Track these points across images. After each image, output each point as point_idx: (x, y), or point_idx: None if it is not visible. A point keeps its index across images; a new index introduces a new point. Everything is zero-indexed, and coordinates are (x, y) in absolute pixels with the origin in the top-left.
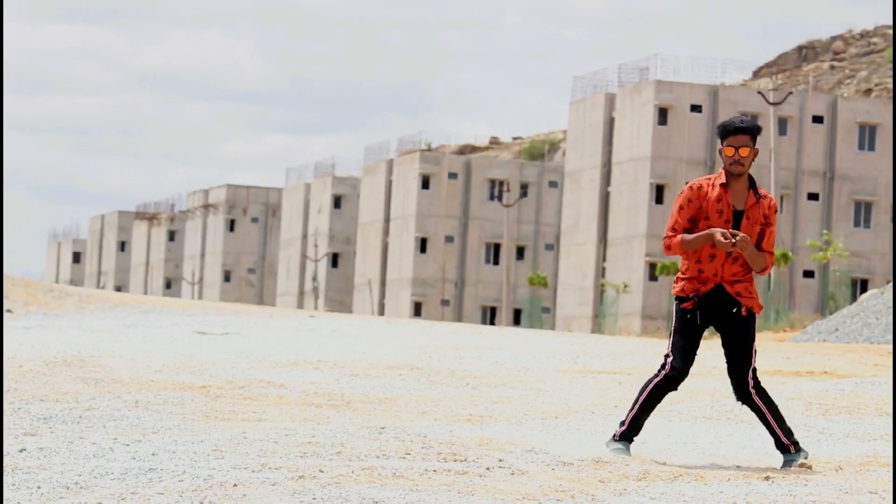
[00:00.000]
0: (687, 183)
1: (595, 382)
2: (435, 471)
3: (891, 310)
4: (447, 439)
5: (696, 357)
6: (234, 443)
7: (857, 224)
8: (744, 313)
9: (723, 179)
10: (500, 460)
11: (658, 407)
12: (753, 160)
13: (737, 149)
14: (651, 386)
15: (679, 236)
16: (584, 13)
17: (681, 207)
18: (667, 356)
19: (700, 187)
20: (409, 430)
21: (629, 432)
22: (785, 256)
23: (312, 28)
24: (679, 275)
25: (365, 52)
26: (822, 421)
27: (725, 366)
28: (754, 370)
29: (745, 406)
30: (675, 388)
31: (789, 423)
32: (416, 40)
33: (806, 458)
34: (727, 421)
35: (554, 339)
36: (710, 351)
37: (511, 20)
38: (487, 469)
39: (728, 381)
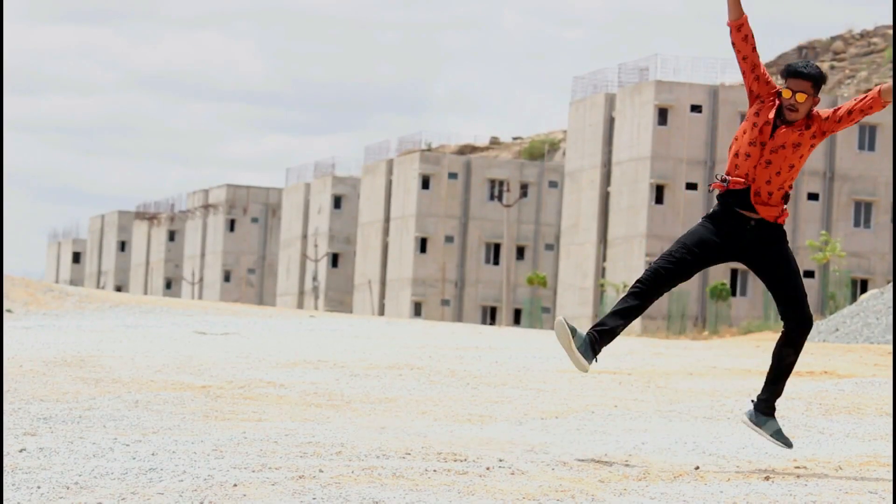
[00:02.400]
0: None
1: (595, 382)
2: (435, 471)
3: (891, 310)
4: (447, 439)
5: (682, 274)
6: (234, 443)
7: (857, 224)
8: (765, 220)
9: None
10: (500, 460)
11: (656, 405)
12: (812, 108)
13: (794, 93)
14: (639, 282)
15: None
16: (583, 14)
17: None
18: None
19: (772, 89)
20: (409, 430)
21: (597, 326)
22: None
23: (311, 28)
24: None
25: (364, 53)
26: (822, 421)
27: (777, 309)
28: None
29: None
30: (650, 296)
31: (788, 421)
32: (415, 41)
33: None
34: (727, 421)
35: (554, 339)
36: (709, 351)
37: (510, 21)
38: (487, 469)
39: (726, 379)
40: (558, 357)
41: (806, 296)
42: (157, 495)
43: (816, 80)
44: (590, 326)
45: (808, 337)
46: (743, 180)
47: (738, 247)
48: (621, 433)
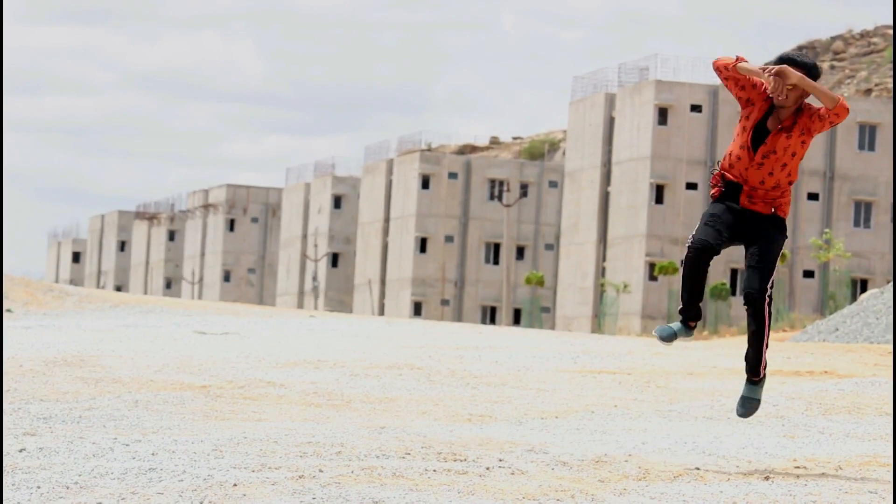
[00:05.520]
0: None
1: (595, 382)
2: (435, 471)
3: (891, 310)
4: (447, 439)
5: (723, 237)
6: (234, 443)
7: (857, 224)
8: (760, 214)
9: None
10: (500, 460)
11: (656, 405)
12: (802, 98)
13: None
14: (682, 264)
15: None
16: (582, 14)
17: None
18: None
19: (761, 89)
20: (409, 430)
21: (682, 310)
22: (784, 256)
23: (310, 29)
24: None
25: (364, 53)
26: (822, 421)
27: (744, 277)
28: (772, 285)
29: (748, 311)
30: (703, 260)
31: (788, 420)
32: (414, 41)
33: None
34: (727, 421)
35: (554, 339)
36: (709, 350)
37: (509, 22)
38: (487, 469)
39: (726, 379)
40: (558, 357)
41: (765, 270)
42: (157, 495)
43: (810, 70)
44: (681, 311)
45: (808, 337)
46: (737, 181)
47: (740, 222)
48: (621, 433)
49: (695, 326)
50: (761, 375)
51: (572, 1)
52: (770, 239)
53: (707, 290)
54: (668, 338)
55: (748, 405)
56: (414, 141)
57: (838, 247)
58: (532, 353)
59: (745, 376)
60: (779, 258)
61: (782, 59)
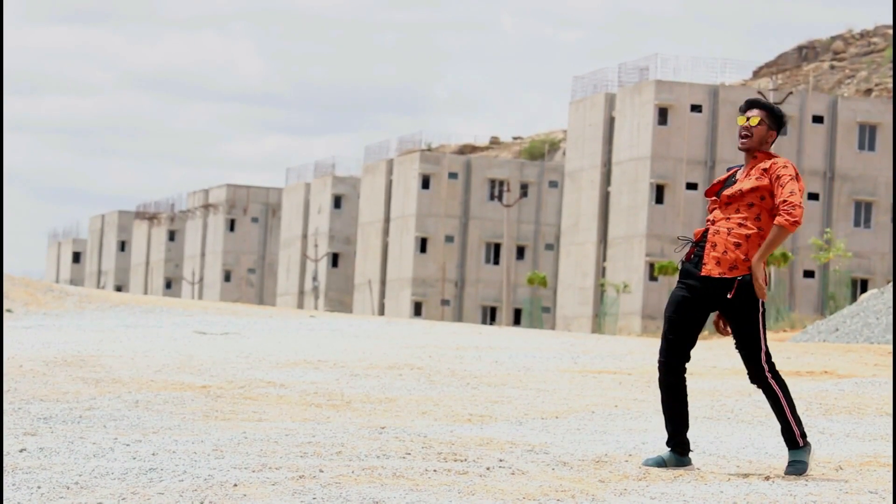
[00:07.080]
0: None
1: (595, 382)
2: (435, 471)
3: (891, 310)
4: (447, 439)
5: (687, 344)
6: (234, 443)
7: (857, 224)
8: (730, 295)
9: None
10: (501, 460)
11: (656, 405)
12: (767, 139)
13: (748, 118)
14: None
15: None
16: (582, 14)
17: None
18: None
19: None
20: (409, 430)
21: (667, 438)
22: (785, 256)
23: (311, 29)
24: None
25: (364, 53)
26: (822, 421)
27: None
28: (767, 354)
29: (759, 390)
30: (672, 380)
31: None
32: (414, 41)
33: (811, 455)
34: (727, 421)
35: (554, 339)
36: (709, 351)
37: (509, 22)
38: (488, 469)
39: (726, 379)
40: (558, 357)
41: (750, 352)
42: (158, 495)
43: (771, 111)
44: (666, 441)
45: (808, 337)
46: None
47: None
48: (621, 433)
49: (688, 453)
50: (801, 445)
51: (572, 1)
52: (742, 318)
53: None
54: (656, 465)
55: (796, 467)
56: (414, 141)
57: (838, 247)
58: (532, 353)
59: (748, 378)
60: (760, 323)
61: (744, 104)
